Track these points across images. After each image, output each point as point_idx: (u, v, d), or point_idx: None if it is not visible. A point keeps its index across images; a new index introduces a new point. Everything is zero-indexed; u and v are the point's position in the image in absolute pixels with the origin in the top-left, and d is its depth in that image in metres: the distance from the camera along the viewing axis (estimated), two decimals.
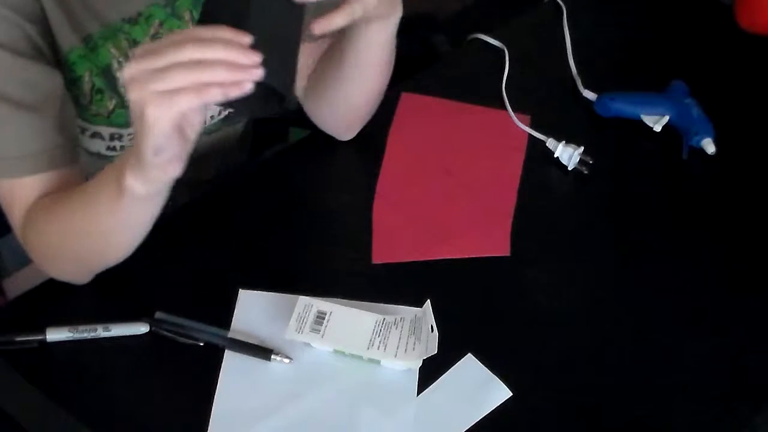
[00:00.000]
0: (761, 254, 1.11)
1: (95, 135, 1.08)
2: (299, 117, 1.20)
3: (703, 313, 1.05)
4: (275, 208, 1.13)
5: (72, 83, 1.04)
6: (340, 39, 1.07)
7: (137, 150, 0.82)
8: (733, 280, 1.08)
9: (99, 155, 1.10)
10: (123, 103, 1.06)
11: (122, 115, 1.07)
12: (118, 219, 0.91)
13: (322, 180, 1.17)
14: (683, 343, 1.01)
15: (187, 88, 0.77)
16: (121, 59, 1.05)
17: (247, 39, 0.78)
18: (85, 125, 1.07)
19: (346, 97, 1.13)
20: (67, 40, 1.01)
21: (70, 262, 1.00)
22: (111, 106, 1.07)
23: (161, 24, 1.07)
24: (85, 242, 0.96)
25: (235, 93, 0.77)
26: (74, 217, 0.94)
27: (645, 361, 1.00)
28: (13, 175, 0.97)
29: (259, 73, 0.78)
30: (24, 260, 1.14)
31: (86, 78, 1.04)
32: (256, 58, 0.77)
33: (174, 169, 0.83)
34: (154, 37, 1.07)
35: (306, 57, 1.14)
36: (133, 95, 0.78)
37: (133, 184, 0.85)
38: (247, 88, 0.77)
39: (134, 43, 1.06)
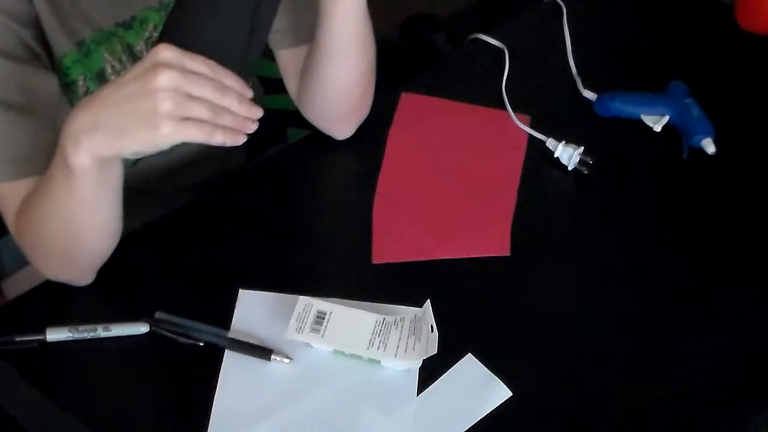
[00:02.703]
0: (761, 254, 1.11)
1: None
2: (298, 117, 1.20)
3: (704, 313, 1.05)
4: (275, 208, 1.13)
5: (66, 87, 1.04)
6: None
7: (83, 125, 0.84)
8: (733, 280, 1.08)
9: None
10: None
11: None
12: (77, 200, 0.90)
13: (322, 180, 1.17)
14: (684, 343, 1.01)
15: (204, 124, 0.82)
16: (114, 63, 1.06)
17: (250, 93, 0.85)
18: None
19: (332, 81, 1.12)
20: (61, 44, 1.01)
21: (61, 259, 0.99)
22: None
23: (155, 28, 1.07)
24: (58, 230, 0.95)
25: (232, 141, 0.83)
26: (42, 203, 0.94)
27: (645, 361, 1.00)
28: (5, 179, 0.97)
29: (254, 127, 0.84)
30: (23, 261, 1.14)
31: (80, 82, 1.04)
32: (258, 113, 0.84)
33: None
34: (149, 41, 1.07)
35: (295, 57, 1.15)
36: (165, 105, 0.81)
37: (76, 158, 0.85)
38: (243, 139, 0.84)
39: (128, 47, 1.06)
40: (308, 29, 1.10)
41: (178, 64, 0.81)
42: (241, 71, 0.88)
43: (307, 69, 1.14)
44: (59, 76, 1.02)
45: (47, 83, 0.99)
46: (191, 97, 0.82)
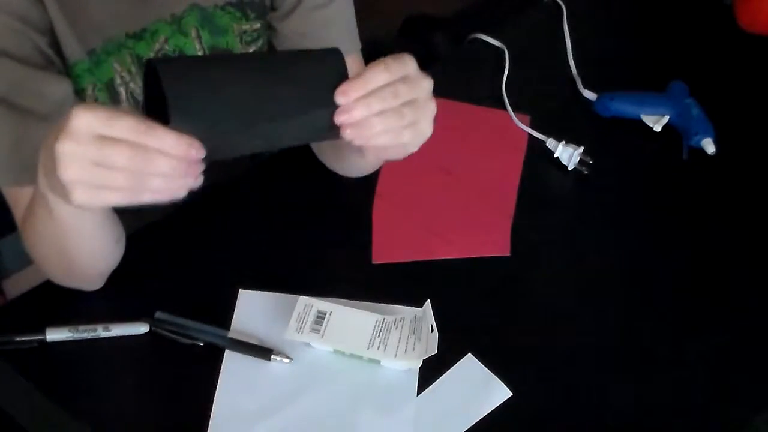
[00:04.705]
0: (761, 254, 1.11)
1: None
2: None
3: (704, 313, 1.05)
4: (275, 208, 1.13)
5: (76, 94, 1.03)
6: None
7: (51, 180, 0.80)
8: (733, 280, 1.08)
9: None
10: None
11: None
12: (59, 226, 0.89)
13: (322, 180, 1.17)
14: (683, 343, 1.01)
15: (124, 189, 0.77)
16: (123, 74, 1.05)
17: (195, 151, 0.77)
18: None
19: (353, 164, 1.13)
20: (73, 52, 1.01)
21: (62, 272, 0.99)
22: None
23: (167, 40, 1.07)
24: (49, 251, 0.95)
25: (165, 199, 0.78)
26: (32, 222, 0.93)
27: (645, 361, 1.00)
28: (18, 183, 0.97)
29: (194, 184, 0.79)
30: (24, 261, 1.14)
31: (89, 91, 1.04)
32: (195, 172, 0.78)
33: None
34: (159, 53, 1.07)
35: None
36: (67, 174, 0.76)
37: (54, 201, 0.84)
38: (182, 195, 0.78)
39: (138, 58, 1.06)
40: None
41: (85, 133, 0.76)
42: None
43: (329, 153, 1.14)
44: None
45: (61, 89, 0.98)
46: (103, 165, 0.76)
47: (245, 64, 0.88)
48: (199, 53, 1.09)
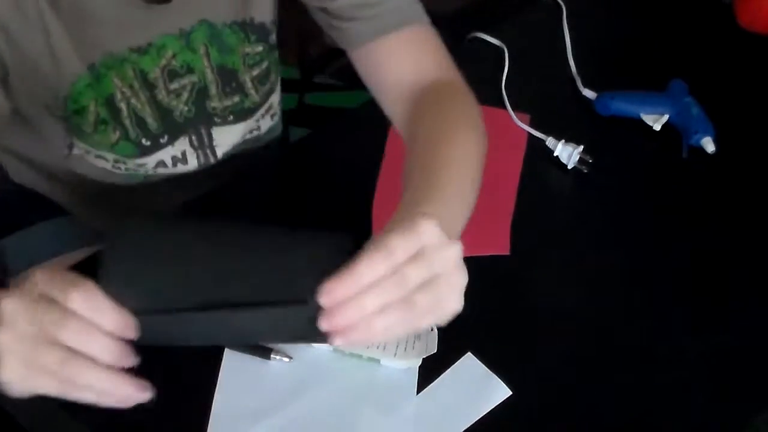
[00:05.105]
0: (761, 253, 1.11)
1: (99, 157, 1.07)
2: (298, 117, 1.20)
3: (704, 313, 1.05)
4: (275, 207, 1.13)
5: (77, 114, 1.01)
6: None
7: None
8: (733, 279, 1.08)
9: (105, 170, 1.09)
10: (128, 136, 1.04)
11: (127, 147, 1.05)
12: None
13: (322, 179, 1.17)
14: (683, 343, 1.01)
15: (57, 380, 0.69)
16: (125, 90, 1.02)
17: (128, 329, 0.69)
18: (89, 149, 1.06)
19: None
20: (74, 67, 0.98)
21: None
22: (115, 138, 1.04)
23: (174, 56, 1.04)
24: None
25: (108, 403, 0.70)
26: None
27: (645, 361, 1.00)
28: None
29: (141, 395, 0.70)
30: (29, 261, 1.14)
31: (91, 108, 1.01)
32: (128, 362, 0.69)
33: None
34: (166, 69, 1.04)
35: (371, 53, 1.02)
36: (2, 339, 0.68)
37: None
38: (130, 403, 0.70)
39: (142, 73, 1.02)
40: (383, 22, 0.99)
41: (29, 299, 0.68)
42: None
43: None
44: (68, 103, 1.00)
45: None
46: (42, 342, 0.67)
47: (225, 236, 0.75)
48: (207, 71, 1.07)
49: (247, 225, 0.76)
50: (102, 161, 1.07)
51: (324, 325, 0.69)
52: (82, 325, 0.69)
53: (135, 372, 0.94)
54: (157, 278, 0.70)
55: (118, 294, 0.70)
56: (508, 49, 1.34)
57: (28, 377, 0.69)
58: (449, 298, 0.73)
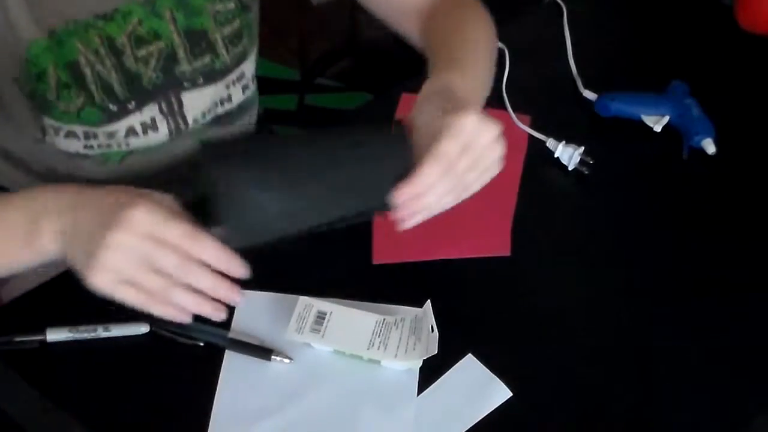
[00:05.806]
0: (761, 254, 1.11)
1: (70, 134, 1.07)
2: (296, 117, 1.20)
3: (704, 313, 1.05)
4: None
5: (38, 78, 1.02)
6: None
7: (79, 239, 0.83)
8: (733, 280, 1.08)
9: (78, 155, 1.09)
10: (93, 102, 1.05)
11: (93, 114, 1.05)
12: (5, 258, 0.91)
13: None
14: (683, 343, 1.01)
15: (146, 294, 0.82)
16: (89, 56, 1.03)
17: (241, 270, 0.83)
18: (58, 124, 1.06)
19: None
20: (28, 32, 0.99)
21: None
22: (79, 104, 1.04)
23: (140, 22, 1.05)
24: None
25: (180, 319, 0.83)
26: None
27: (645, 361, 1.00)
28: None
29: (221, 315, 0.84)
30: None
31: (51, 71, 1.02)
32: (235, 296, 0.84)
33: None
34: (132, 35, 1.05)
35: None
36: (107, 259, 0.80)
37: (51, 249, 0.86)
38: (222, 317, 0.84)
39: (109, 39, 1.04)
40: None
41: (140, 229, 0.80)
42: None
43: None
44: (27, 67, 1.01)
45: None
46: (143, 264, 0.80)
47: (300, 158, 0.88)
48: (174, 35, 1.07)
49: (315, 139, 0.91)
50: (74, 141, 1.07)
51: (395, 216, 0.88)
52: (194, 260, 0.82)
53: (134, 367, 0.94)
54: (263, 209, 0.84)
55: (233, 229, 0.83)
56: (508, 50, 1.34)
57: (134, 271, 0.80)
58: (491, 167, 0.90)
